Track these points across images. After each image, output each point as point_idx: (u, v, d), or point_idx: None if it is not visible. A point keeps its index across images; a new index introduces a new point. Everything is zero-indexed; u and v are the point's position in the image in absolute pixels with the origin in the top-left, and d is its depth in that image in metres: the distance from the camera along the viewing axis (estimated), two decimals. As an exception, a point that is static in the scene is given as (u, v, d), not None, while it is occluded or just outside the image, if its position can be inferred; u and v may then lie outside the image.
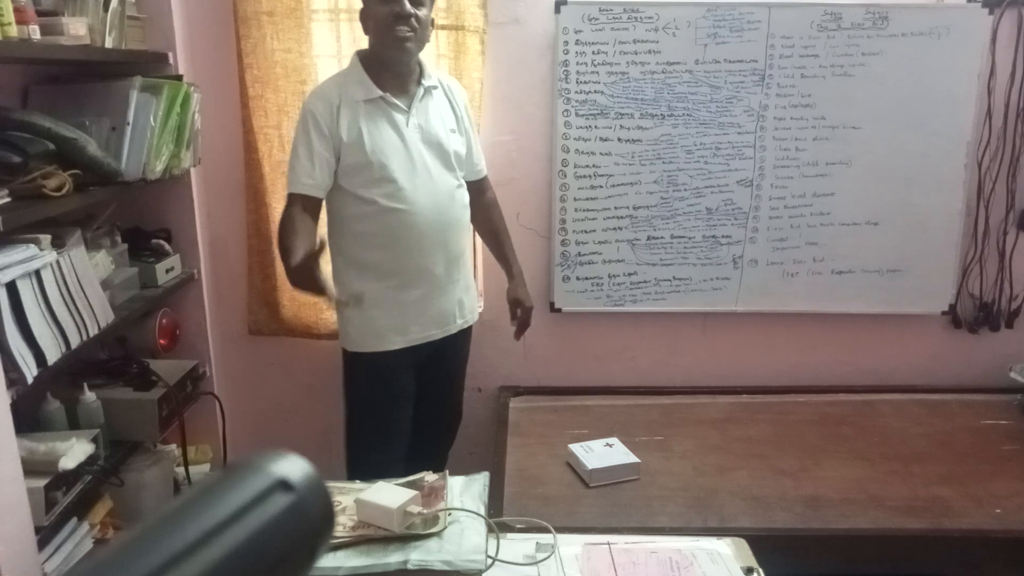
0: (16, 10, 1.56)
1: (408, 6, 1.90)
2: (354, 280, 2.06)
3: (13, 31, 1.55)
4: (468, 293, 2.23)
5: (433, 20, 2.04)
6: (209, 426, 2.43)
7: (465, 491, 1.52)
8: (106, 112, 1.95)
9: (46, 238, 1.67)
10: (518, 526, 1.54)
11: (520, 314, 2.29)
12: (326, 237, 2.04)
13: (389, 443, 2.14)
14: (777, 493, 2.04)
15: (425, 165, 2.02)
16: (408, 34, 1.92)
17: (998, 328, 2.67)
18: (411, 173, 1.99)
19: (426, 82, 2.05)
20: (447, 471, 1.55)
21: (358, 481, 1.56)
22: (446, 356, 2.24)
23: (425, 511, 1.38)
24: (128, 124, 1.94)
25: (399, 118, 2.00)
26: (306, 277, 1.75)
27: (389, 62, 1.99)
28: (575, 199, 2.53)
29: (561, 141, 2.48)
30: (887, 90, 2.46)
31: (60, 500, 1.66)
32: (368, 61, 2.02)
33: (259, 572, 0.41)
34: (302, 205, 1.96)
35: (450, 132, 2.09)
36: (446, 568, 1.29)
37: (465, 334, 2.27)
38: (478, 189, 2.24)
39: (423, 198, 2.00)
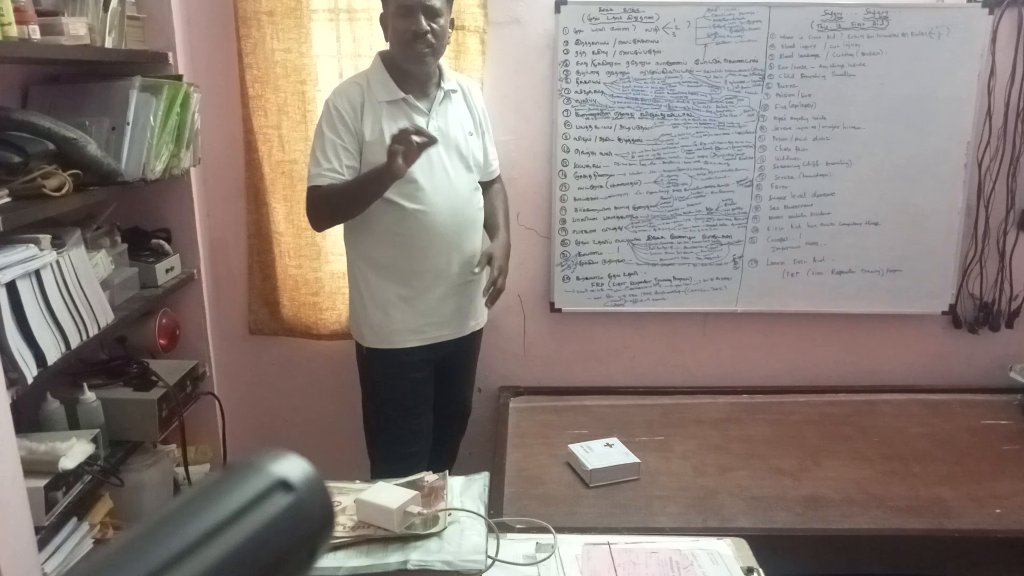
0: (16, 10, 1.56)
1: (424, 23, 1.94)
2: (371, 279, 2.11)
3: (13, 31, 1.55)
4: (480, 297, 2.25)
5: (452, 20, 2.07)
6: (209, 426, 2.43)
7: (465, 491, 1.51)
8: (106, 112, 1.95)
9: (46, 238, 1.67)
10: (518, 526, 1.54)
11: (489, 270, 2.12)
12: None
13: (415, 436, 2.19)
14: (777, 493, 2.04)
15: (444, 167, 2.06)
16: (426, 50, 1.97)
17: (998, 328, 2.67)
18: (430, 174, 2.02)
19: (445, 85, 2.09)
20: (447, 471, 1.55)
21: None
22: (459, 356, 2.29)
23: (425, 511, 1.38)
24: (128, 124, 1.95)
25: (420, 120, 2.04)
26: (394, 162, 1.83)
27: (409, 70, 2.03)
28: (575, 199, 2.53)
29: (561, 141, 2.48)
30: (887, 90, 2.46)
31: (60, 500, 1.66)
32: (390, 63, 2.05)
33: (259, 572, 0.40)
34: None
35: (468, 135, 2.13)
36: (446, 568, 1.29)
37: (476, 335, 2.32)
38: (488, 183, 2.27)
39: (441, 199, 2.04)
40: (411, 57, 1.98)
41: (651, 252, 2.58)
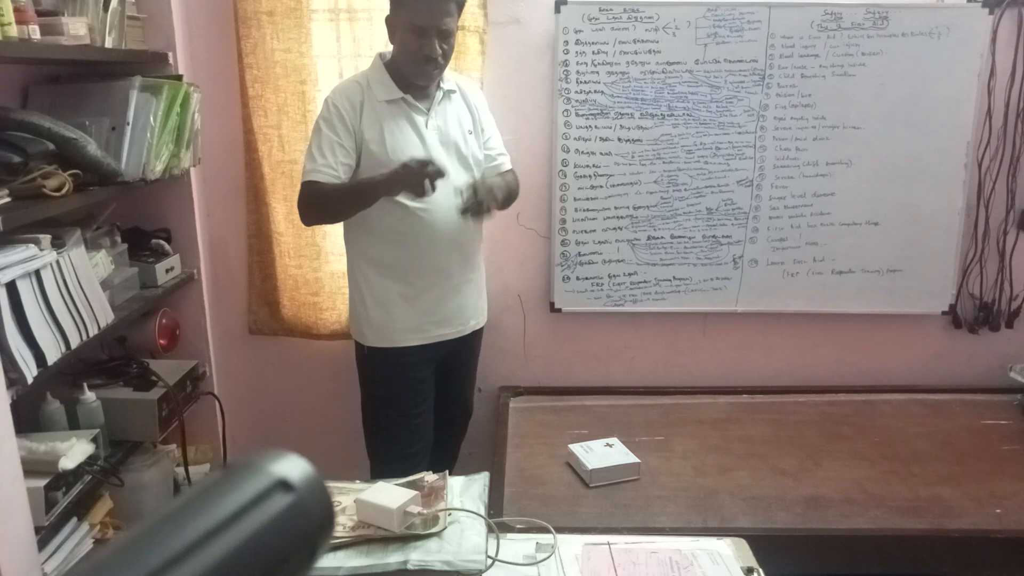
0: (16, 10, 1.56)
1: (437, 47, 1.95)
2: (371, 277, 2.11)
3: (13, 31, 1.55)
4: (480, 296, 2.28)
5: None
6: (209, 426, 2.43)
7: (465, 491, 1.51)
8: (106, 112, 1.95)
9: (46, 238, 1.67)
10: (518, 526, 1.54)
11: (473, 192, 1.99)
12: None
13: (415, 436, 2.18)
14: (777, 493, 2.04)
15: (444, 166, 2.03)
16: (435, 72, 1.99)
17: (998, 328, 2.67)
18: None
19: (445, 86, 2.10)
20: (447, 471, 1.55)
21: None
22: (460, 356, 2.29)
23: (425, 511, 1.38)
24: (128, 124, 1.95)
25: (419, 119, 2.05)
26: (406, 173, 1.86)
27: (413, 82, 2.03)
28: (575, 199, 2.53)
29: (561, 141, 2.48)
30: (887, 90, 2.46)
31: (60, 500, 1.66)
32: (390, 64, 2.06)
33: (259, 572, 0.40)
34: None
35: (467, 134, 2.13)
36: (446, 568, 1.29)
37: (477, 335, 2.32)
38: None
39: (440, 197, 2.02)
40: (419, 75, 2.01)
41: (651, 252, 2.58)
